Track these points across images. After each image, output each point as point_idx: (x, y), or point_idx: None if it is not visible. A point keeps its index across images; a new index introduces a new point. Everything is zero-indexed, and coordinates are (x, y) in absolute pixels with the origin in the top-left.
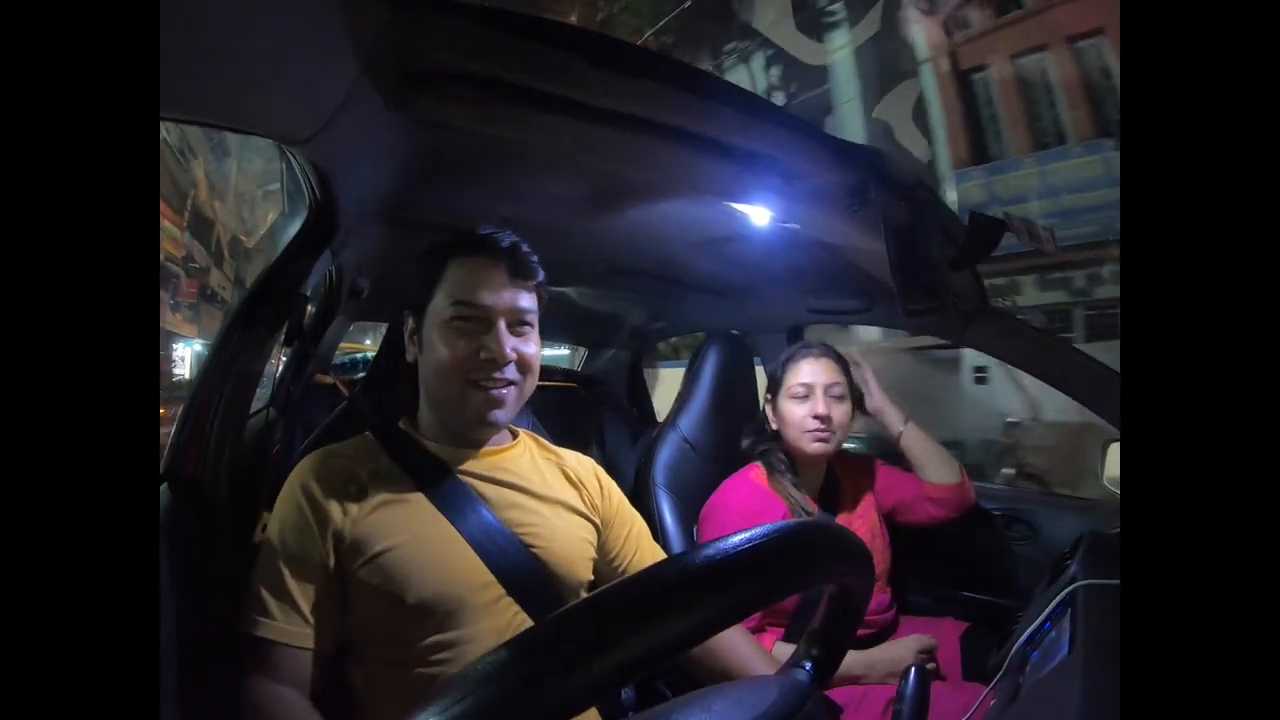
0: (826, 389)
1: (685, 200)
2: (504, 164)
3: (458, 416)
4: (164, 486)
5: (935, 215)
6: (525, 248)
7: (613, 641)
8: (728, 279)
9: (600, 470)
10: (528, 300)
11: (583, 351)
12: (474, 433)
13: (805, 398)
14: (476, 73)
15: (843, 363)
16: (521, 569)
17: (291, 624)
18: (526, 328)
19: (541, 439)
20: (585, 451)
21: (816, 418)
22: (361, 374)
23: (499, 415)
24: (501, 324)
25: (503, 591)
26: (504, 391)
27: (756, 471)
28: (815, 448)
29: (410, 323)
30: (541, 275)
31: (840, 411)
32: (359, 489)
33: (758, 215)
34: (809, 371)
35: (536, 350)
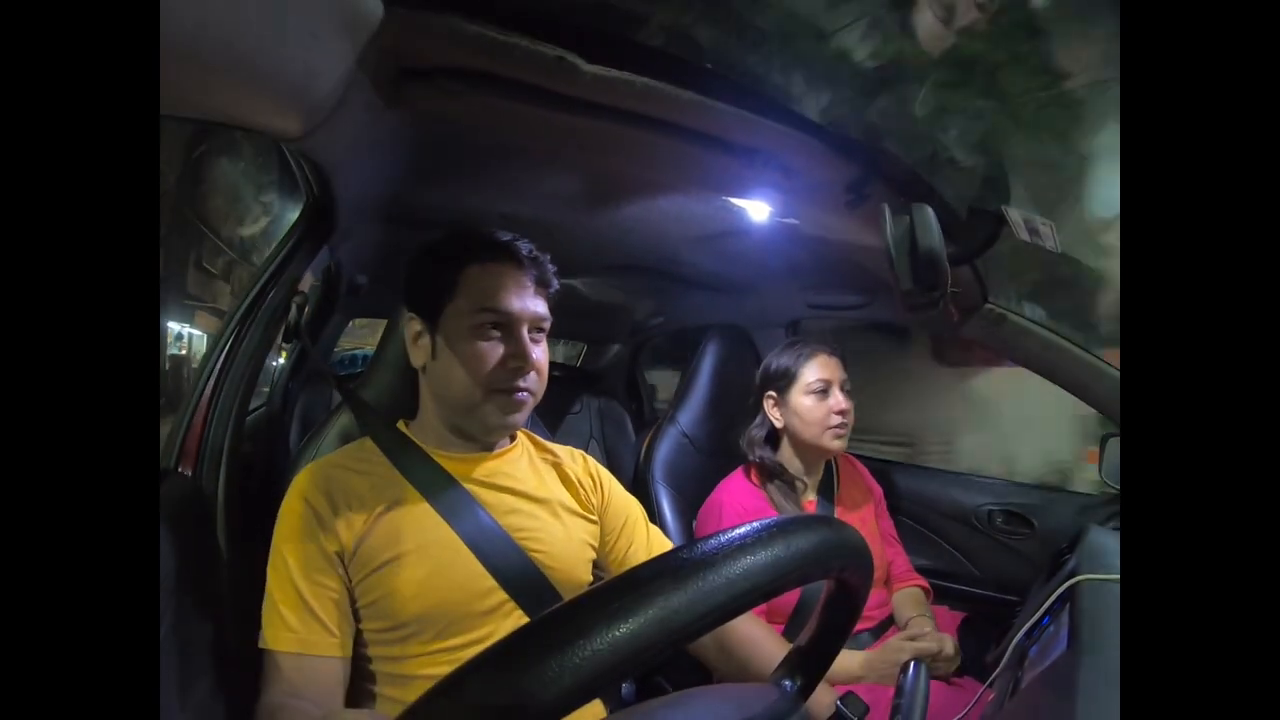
0: (842, 384)
1: (683, 196)
2: (502, 160)
3: (476, 422)
4: (164, 482)
5: (934, 210)
6: (545, 256)
7: (606, 635)
8: (726, 274)
9: (591, 462)
10: (544, 308)
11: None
12: (489, 437)
13: (824, 393)
14: (473, 69)
15: (844, 361)
16: (523, 574)
17: (313, 634)
18: (541, 335)
19: (537, 437)
20: (585, 448)
21: (839, 412)
22: (360, 371)
23: (517, 419)
24: (524, 331)
25: (506, 597)
26: (523, 396)
27: (753, 471)
28: (836, 443)
29: (417, 325)
30: (556, 284)
31: (851, 407)
32: (360, 499)
33: (756, 210)
34: (826, 367)
35: (547, 356)
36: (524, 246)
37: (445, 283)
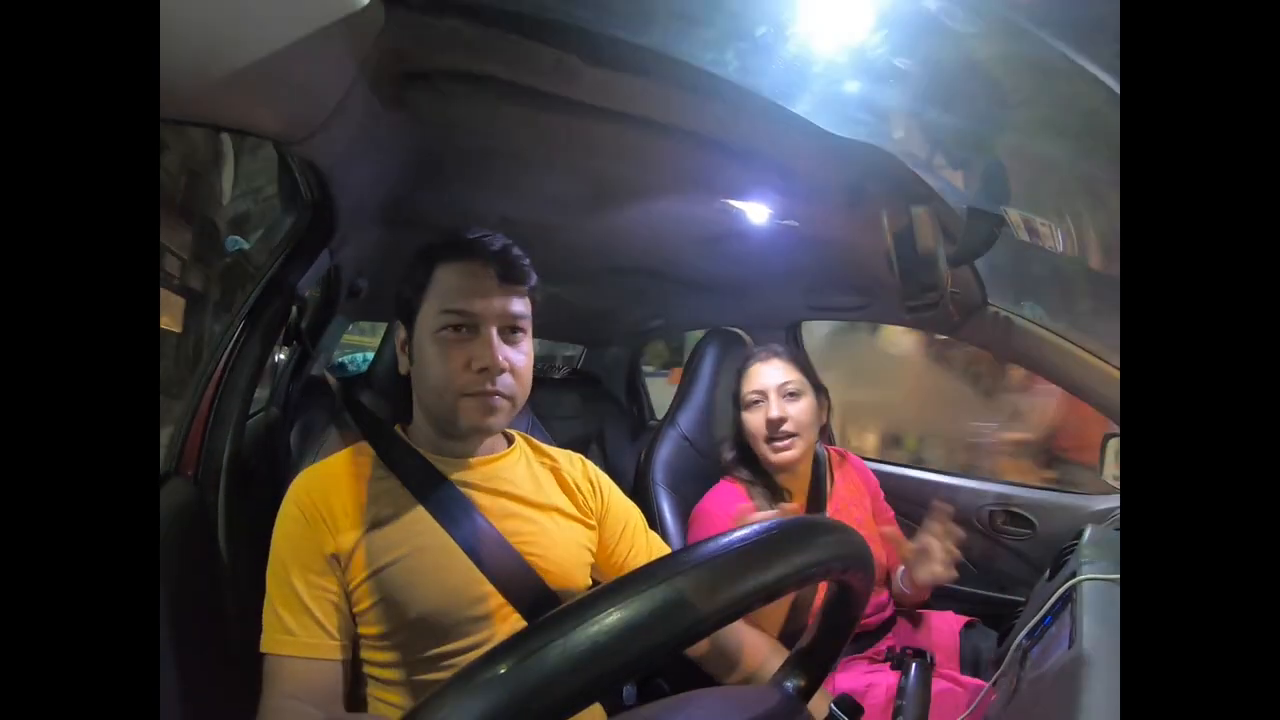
0: (779, 389)
1: (683, 198)
2: (502, 163)
3: (452, 426)
4: (165, 486)
5: (934, 211)
6: (517, 250)
7: (609, 638)
8: (726, 276)
9: (590, 466)
10: (519, 305)
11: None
12: (467, 440)
13: (759, 404)
14: (473, 72)
15: (799, 359)
16: (520, 579)
17: (313, 637)
18: (519, 334)
19: (536, 441)
20: (585, 451)
21: (769, 422)
22: (361, 373)
23: (493, 423)
24: (493, 331)
25: (502, 602)
26: (496, 400)
27: (738, 478)
28: (779, 457)
29: (401, 332)
30: (534, 279)
31: (798, 409)
32: (357, 504)
33: (756, 212)
34: (759, 376)
35: (529, 358)
36: (494, 242)
37: (416, 286)
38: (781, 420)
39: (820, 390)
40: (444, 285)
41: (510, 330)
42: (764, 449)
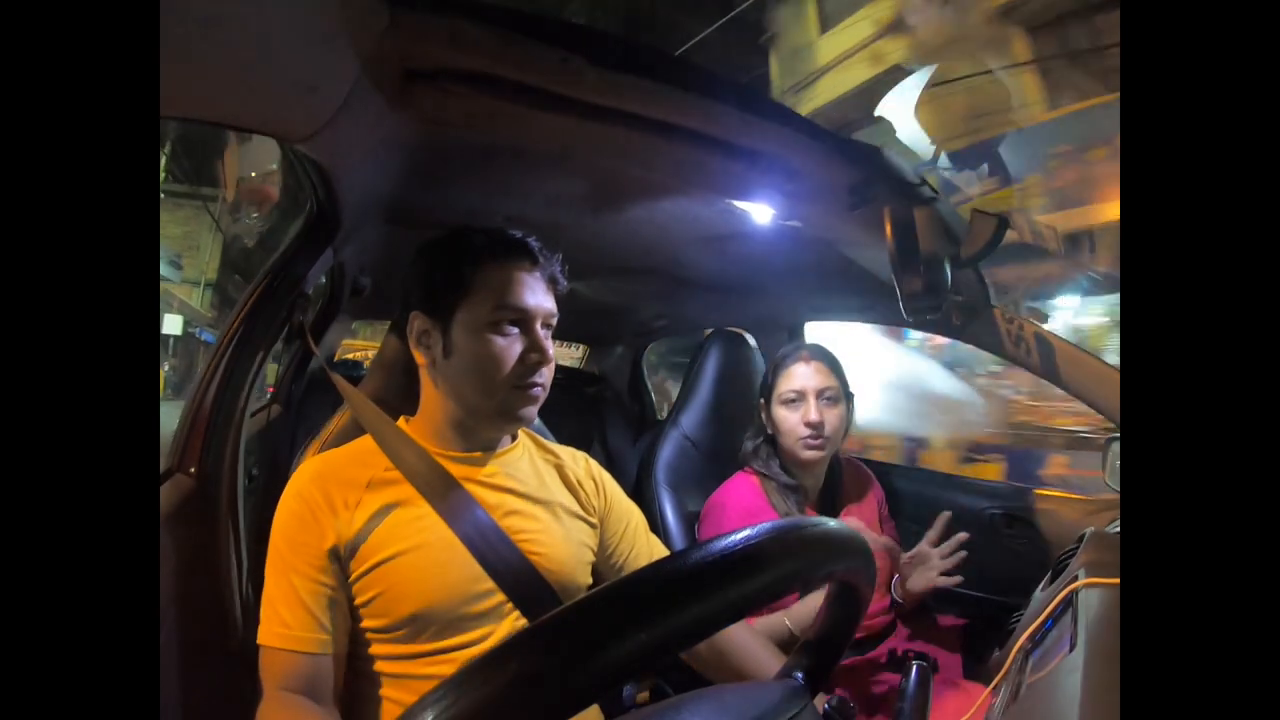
0: (819, 394)
1: (687, 198)
2: (506, 162)
3: (491, 418)
4: (167, 483)
5: (937, 213)
6: (555, 255)
7: (609, 639)
8: (730, 277)
9: (594, 465)
10: (554, 305)
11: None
12: (501, 433)
13: (797, 403)
14: (478, 71)
15: (835, 365)
16: (521, 576)
17: (307, 630)
18: (549, 331)
19: (539, 438)
20: (587, 449)
21: (808, 424)
22: (361, 375)
23: (531, 414)
24: (539, 327)
25: (504, 598)
26: (537, 391)
27: (756, 473)
28: (808, 455)
29: (422, 323)
30: (564, 282)
31: (833, 415)
32: (358, 497)
33: (759, 213)
34: (800, 376)
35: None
36: (535, 243)
37: (459, 281)
38: (820, 424)
39: (849, 397)
40: (497, 282)
41: (545, 327)
42: (794, 446)
